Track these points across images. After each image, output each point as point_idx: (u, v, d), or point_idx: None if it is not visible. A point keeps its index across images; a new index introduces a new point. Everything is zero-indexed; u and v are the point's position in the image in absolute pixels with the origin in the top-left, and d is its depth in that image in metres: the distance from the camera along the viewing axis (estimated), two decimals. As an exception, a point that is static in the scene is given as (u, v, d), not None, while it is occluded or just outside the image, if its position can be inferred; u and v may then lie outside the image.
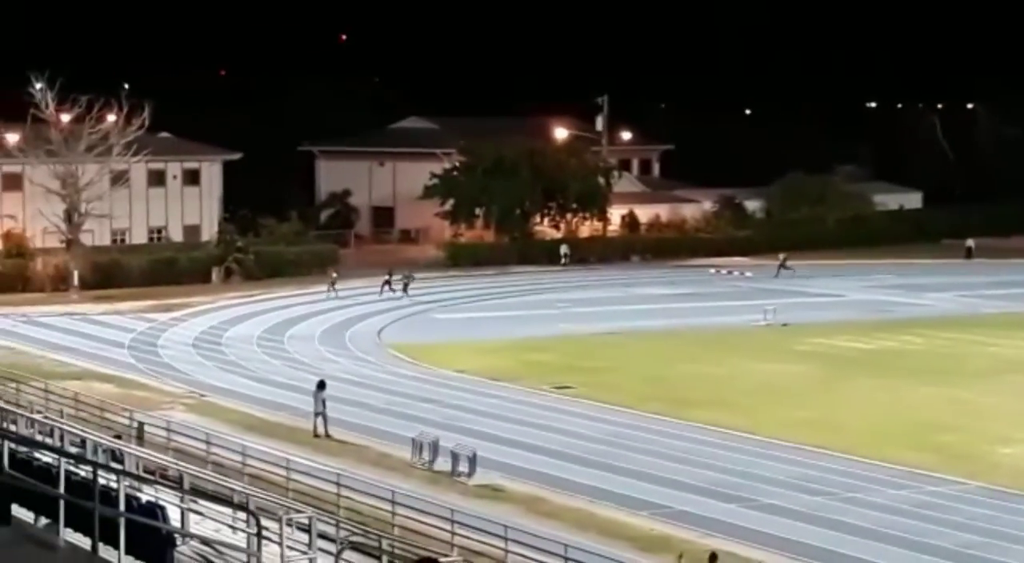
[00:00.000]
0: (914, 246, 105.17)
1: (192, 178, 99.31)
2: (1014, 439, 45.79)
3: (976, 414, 49.81)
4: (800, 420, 48.58)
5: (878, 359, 61.64)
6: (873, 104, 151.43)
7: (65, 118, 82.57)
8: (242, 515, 28.01)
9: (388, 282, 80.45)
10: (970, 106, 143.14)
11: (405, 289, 79.82)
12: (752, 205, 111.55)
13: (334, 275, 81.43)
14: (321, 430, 46.21)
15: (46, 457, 19.96)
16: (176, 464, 32.43)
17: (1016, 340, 65.56)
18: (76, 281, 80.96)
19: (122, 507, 16.54)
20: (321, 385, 47.53)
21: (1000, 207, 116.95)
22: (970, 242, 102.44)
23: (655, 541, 34.04)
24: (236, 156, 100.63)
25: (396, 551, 28.40)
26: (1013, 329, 68.87)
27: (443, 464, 41.42)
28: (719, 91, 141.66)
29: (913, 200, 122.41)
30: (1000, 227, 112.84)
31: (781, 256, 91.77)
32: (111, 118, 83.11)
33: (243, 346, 64.87)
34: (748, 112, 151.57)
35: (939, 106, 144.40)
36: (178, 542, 20.75)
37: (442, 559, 28.81)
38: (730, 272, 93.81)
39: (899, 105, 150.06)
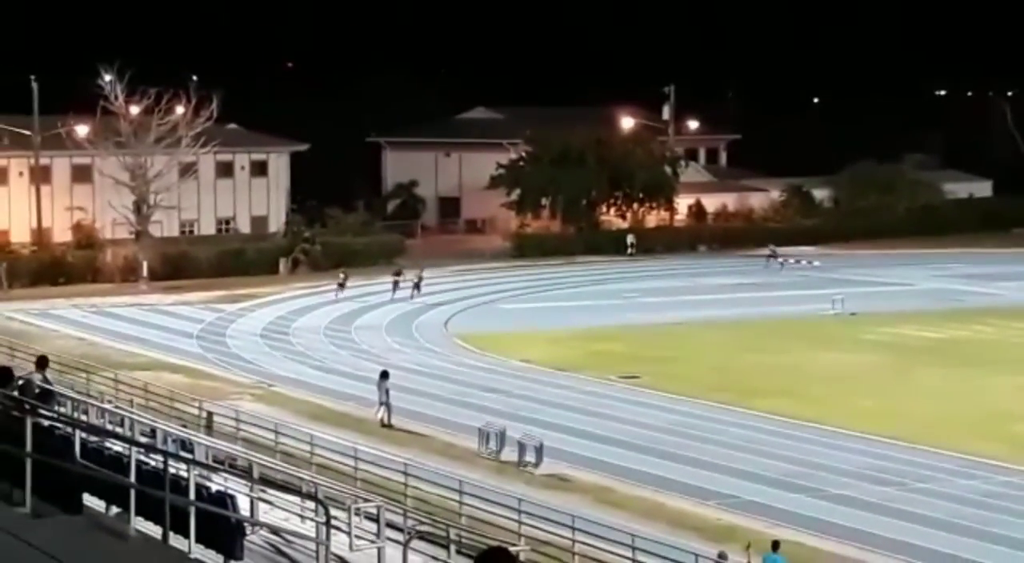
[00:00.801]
0: (984, 235, 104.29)
1: (260, 169, 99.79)
2: (1086, 429, 45.32)
3: (1048, 404, 49.30)
4: (868, 410, 48.28)
5: (948, 348, 61.17)
6: (943, 92, 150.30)
7: (134, 110, 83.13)
8: (311, 504, 28.15)
9: (397, 284, 76.66)
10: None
11: (417, 288, 76.16)
12: (820, 194, 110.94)
13: (342, 275, 77.71)
14: (386, 420, 46.35)
15: (117, 446, 20.10)
16: (245, 453, 32.61)
17: (1088, 329, 64.85)
18: (145, 272, 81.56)
19: (192, 496, 16.64)
20: (384, 375, 47.66)
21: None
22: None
23: (722, 531, 33.92)
24: (303, 147, 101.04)
25: (464, 540, 28.44)
26: (1085, 318, 68.11)
27: (510, 454, 41.44)
28: (787, 80, 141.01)
29: (983, 189, 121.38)
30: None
31: (770, 247, 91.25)
32: (179, 110, 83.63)
33: (310, 336, 65.14)
34: (816, 100, 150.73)
35: (1009, 94, 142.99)
36: (248, 531, 20.88)
37: (511, 548, 28.85)
38: (797, 261, 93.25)
39: (969, 93, 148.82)
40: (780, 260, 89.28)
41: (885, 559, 32.09)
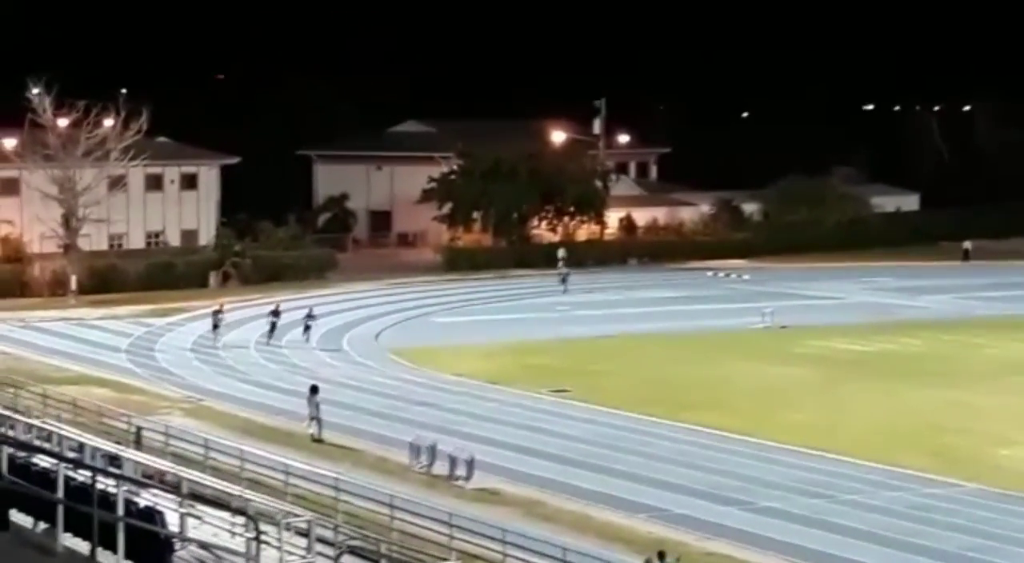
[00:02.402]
0: (912, 248, 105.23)
1: (190, 182, 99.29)
2: (1014, 441, 45.80)
3: (976, 416, 49.80)
4: (798, 423, 48.57)
5: (877, 361, 61.64)
6: (871, 106, 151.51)
7: (63, 123, 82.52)
8: (240, 519, 27.99)
9: (274, 325, 66.35)
10: (967, 108, 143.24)
11: (307, 330, 66.65)
12: (749, 208, 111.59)
13: (218, 308, 67.73)
14: (316, 434, 46.21)
15: (44, 462, 19.94)
16: (174, 469, 32.40)
17: (1015, 342, 65.60)
18: (74, 286, 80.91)
19: (120, 512, 16.53)
20: (315, 389, 47.53)
21: (998, 209, 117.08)
22: (967, 244, 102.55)
23: (652, 544, 33.99)
24: (234, 160, 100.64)
25: (394, 555, 28.39)
26: (1012, 331, 68.90)
27: (441, 468, 41.41)
28: (716, 94, 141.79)
29: (911, 202, 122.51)
30: (998, 229, 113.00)
31: (560, 254, 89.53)
32: (108, 123, 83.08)
33: (240, 351, 64.82)
34: (745, 115, 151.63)
35: (936, 108, 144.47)
36: (176, 546, 20.76)
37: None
38: (727, 274, 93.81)
39: (896, 107, 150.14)
40: (565, 273, 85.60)
41: (814, 571, 32.30)
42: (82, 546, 16.44)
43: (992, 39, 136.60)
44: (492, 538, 31.77)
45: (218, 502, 29.74)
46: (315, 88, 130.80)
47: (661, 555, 30.28)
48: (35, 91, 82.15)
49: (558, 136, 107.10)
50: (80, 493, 17.14)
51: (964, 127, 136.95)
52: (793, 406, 51.78)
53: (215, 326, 66.08)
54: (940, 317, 74.79)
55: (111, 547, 16.13)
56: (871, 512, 37.74)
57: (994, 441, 45.83)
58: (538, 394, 54.13)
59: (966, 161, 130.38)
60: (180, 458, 39.70)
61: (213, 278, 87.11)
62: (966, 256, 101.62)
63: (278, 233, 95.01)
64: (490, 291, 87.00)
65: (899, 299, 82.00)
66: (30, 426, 32.94)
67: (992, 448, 45.01)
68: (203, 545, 25.30)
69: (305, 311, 68.15)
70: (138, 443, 42.37)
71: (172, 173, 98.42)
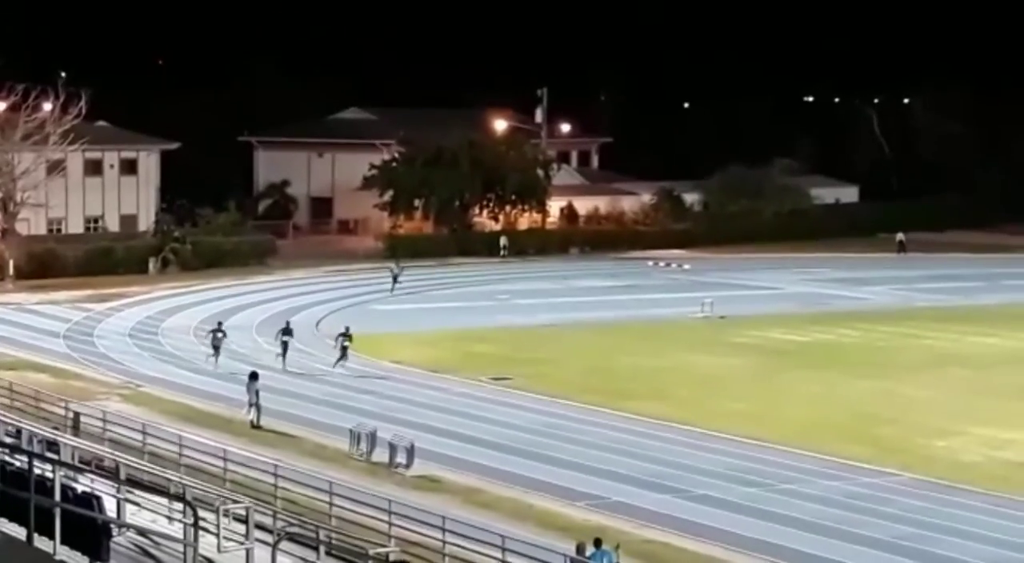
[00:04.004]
0: (850, 240, 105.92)
1: (129, 168, 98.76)
2: (948, 431, 46.24)
3: (911, 406, 50.24)
4: (736, 412, 48.87)
5: (814, 352, 62.07)
6: (811, 98, 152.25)
7: (1, 106, 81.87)
8: (178, 505, 27.94)
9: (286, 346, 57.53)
10: (907, 101, 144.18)
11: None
12: (690, 198, 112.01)
13: (217, 328, 58.22)
14: (256, 421, 46.15)
15: (-20, 447, 19.84)
16: (112, 454, 32.30)
17: (950, 333, 66.21)
18: (11, 271, 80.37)
19: (58, 497, 16.49)
20: (254, 376, 47.46)
21: (936, 201, 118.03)
22: (901, 236, 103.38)
23: (591, 531, 34.12)
24: (174, 146, 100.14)
25: (333, 542, 28.41)
26: (947, 322, 69.53)
27: (381, 455, 41.43)
28: (658, 85, 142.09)
29: (850, 194, 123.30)
30: (936, 221, 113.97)
31: (393, 265, 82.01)
32: (47, 107, 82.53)
33: (180, 336, 64.60)
34: (687, 105, 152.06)
35: (876, 101, 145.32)
36: (114, 532, 20.71)
37: (380, 550, 28.86)
38: (668, 264, 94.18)
39: (836, 99, 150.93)
40: (396, 272, 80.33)
41: (750, 559, 32.51)
42: (18, 531, 16.39)
43: (932, 32, 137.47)
44: (432, 525, 31.82)
45: (156, 488, 29.68)
46: (257, 74, 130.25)
47: (597, 542, 30.39)
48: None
49: (500, 125, 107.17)
50: (17, 478, 17.09)
51: (903, 120, 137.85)
52: (731, 395, 52.09)
53: (215, 348, 56.54)
54: (877, 308, 75.38)
55: (48, 533, 16.10)
56: (807, 501, 38.04)
57: (929, 431, 46.26)
58: (479, 382, 54.21)
59: (905, 153, 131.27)
60: (118, 444, 39.57)
61: (152, 264, 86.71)
62: (901, 248, 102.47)
63: (218, 219, 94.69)
64: (431, 279, 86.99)
65: (836, 290, 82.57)
66: (-34, 411, 32.72)
67: (927, 438, 45.44)
68: (141, 531, 25.25)
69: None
70: (76, 429, 42.19)
71: (111, 158, 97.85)
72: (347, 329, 56.76)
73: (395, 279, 79.84)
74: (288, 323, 59.23)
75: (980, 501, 38.14)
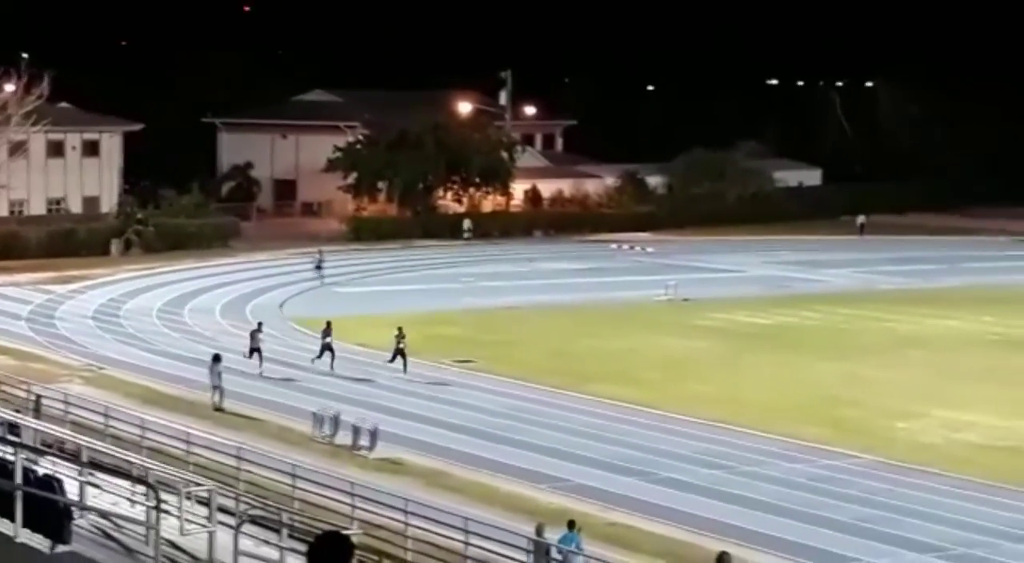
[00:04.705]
0: (813, 223, 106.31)
1: (92, 149, 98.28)
2: (909, 413, 46.48)
3: (872, 388, 50.47)
4: (700, 395, 49.01)
5: (777, 334, 62.29)
6: (775, 82, 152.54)
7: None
8: (141, 488, 27.90)
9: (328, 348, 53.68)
10: (870, 84, 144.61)
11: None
12: (654, 181, 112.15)
13: (256, 328, 54.09)
14: (219, 403, 46.09)
15: (-59, 430, 19.77)
16: (74, 437, 32.22)
17: (911, 316, 66.54)
18: (-27, 252, 79.93)
19: (19, 480, 16.43)
20: (217, 358, 47.36)
21: (898, 184, 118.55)
22: (861, 218, 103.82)
23: (555, 514, 34.22)
24: (137, 127, 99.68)
25: (296, 524, 28.38)
26: (908, 305, 69.88)
27: (344, 438, 41.42)
28: (623, 68, 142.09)
29: (813, 177, 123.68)
30: (898, 204, 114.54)
31: (319, 252, 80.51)
32: (9, 88, 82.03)
33: (142, 319, 64.41)
34: (651, 88, 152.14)
35: (839, 84, 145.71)
36: (76, 515, 20.66)
37: (344, 531, 28.87)
38: (632, 247, 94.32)
39: (800, 83, 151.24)
40: (320, 260, 78.54)
41: (714, 541, 32.58)
42: (-20, 514, 16.31)
43: (895, 17, 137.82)
44: (395, 508, 31.84)
45: (118, 471, 29.63)
46: (220, 55, 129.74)
47: (571, 524, 30.38)
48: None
49: (464, 107, 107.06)
50: (-22, 461, 17.01)
51: (866, 103, 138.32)
52: (695, 378, 52.24)
53: (254, 350, 52.15)
54: (839, 291, 75.70)
55: (9, 515, 16.05)
56: (770, 483, 38.18)
57: (890, 413, 46.50)
58: (442, 364, 54.20)
59: (868, 137, 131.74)
60: (80, 426, 39.45)
61: (115, 246, 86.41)
62: (861, 230, 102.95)
63: (181, 201, 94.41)
64: (395, 261, 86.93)
65: (799, 273, 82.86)
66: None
67: (888, 420, 45.66)
68: (103, 514, 25.21)
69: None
70: (37, 411, 42.03)
71: (74, 140, 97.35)
72: (400, 330, 52.24)
73: (318, 267, 77.60)
74: (328, 323, 53.53)
75: (940, 483, 38.36)
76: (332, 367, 52.39)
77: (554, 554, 29.89)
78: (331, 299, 71.79)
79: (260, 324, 55.04)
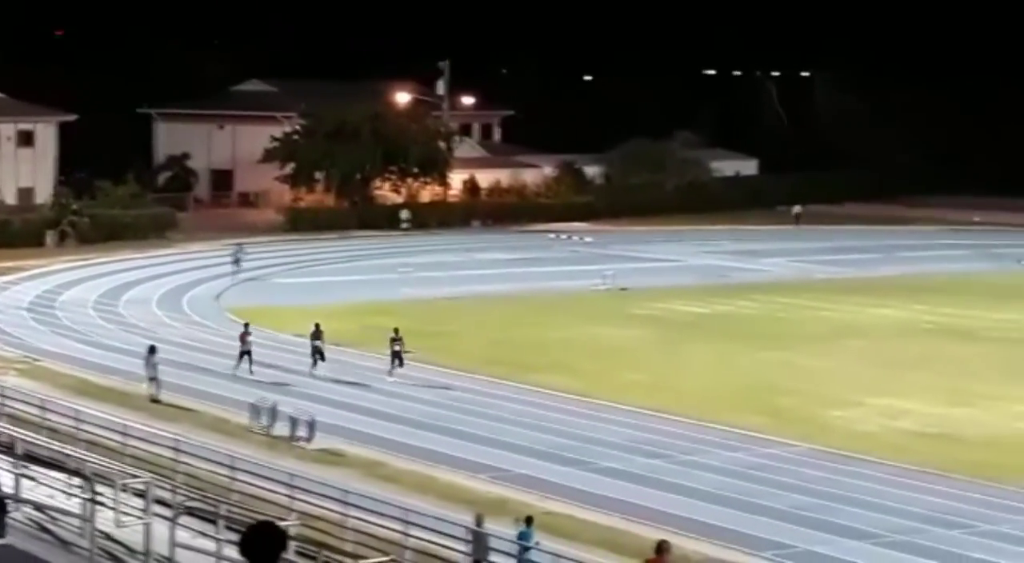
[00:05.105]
0: (750, 212, 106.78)
1: (26, 140, 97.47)
2: (846, 402, 46.78)
3: (809, 377, 50.77)
4: (638, 384, 49.14)
5: (714, 323, 62.54)
6: (712, 72, 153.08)
7: None
8: (77, 480, 27.72)
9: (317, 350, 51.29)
10: (806, 74, 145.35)
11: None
12: (592, 171, 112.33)
13: (244, 331, 51.14)
14: (155, 394, 45.84)
15: None
16: (8, 429, 31.96)
17: (847, 305, 66.96)
18: (-95, 244, 79.13)
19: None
20: (153, 349, 47.07)
21: (834, 174, 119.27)
22: (797, 208, 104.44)
23: (493, 504, 34.25)
24: (72, 117, 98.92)
25: (234, 516, 28.27)
26: (844, 294, 70.34)
27: (282, 429, 41.27)
28: (560, 58, 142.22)
29: (749, 167, 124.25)
30: (834, 194, 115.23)
31: (237, 247, 77.60)
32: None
33: (78, 310, 63.95)
34: (588, 78, 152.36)
35: (775, 74, 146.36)
36: (10, 508, 20.52)
37: (281, 523, 28.76)
38: (570, 237, 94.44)
39: (737, 73, 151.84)
40: (239, 255, 75.62)
41: (652, 530, 32.67)
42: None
43: (831, 7, 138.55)
44: (333, 499, 31.76)
45: (54, 463, 29.44)
46: (156, 45, 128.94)
47: (528, 520, 30.18)
48: None
49: (402, 97, 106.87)
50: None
51: (803, 94, 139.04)
52: (632, 367, 52.38)
53: (244, 353, 50.15)
54: (776, 280, 76.09)
55: (-58, 508, 15.90)
56: (708, 472, 38.32)
57: (826, 402, 46.78)
58: (381, 355, 54.08)
59: (804, 127, 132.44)
60: (15, 419, 39.15)
61: (50, 237, 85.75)
62: (797, 220, 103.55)
63: (117, 192, 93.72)
64: (333, 252, 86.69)
65: (736, 262, 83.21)
66: None
67: (824, 409, 45.94)
68: (38, 506, 25.05)
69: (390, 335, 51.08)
70: (-29, 404, 41.64)
71: (8, 130, 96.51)
72: (397, 332, 50.32)
73: (237, 262, 74.71)
74: (317, 325, 51.23)
75: (877, 470, 38.61)
76: (312, 368, 50.01)
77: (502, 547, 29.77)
78: (268, 290, 71.52)
79: (247, 325, 51.78)
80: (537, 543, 29.58)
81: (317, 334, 51.00)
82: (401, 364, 50.11)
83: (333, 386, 48.47)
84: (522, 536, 29.78)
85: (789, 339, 58.19)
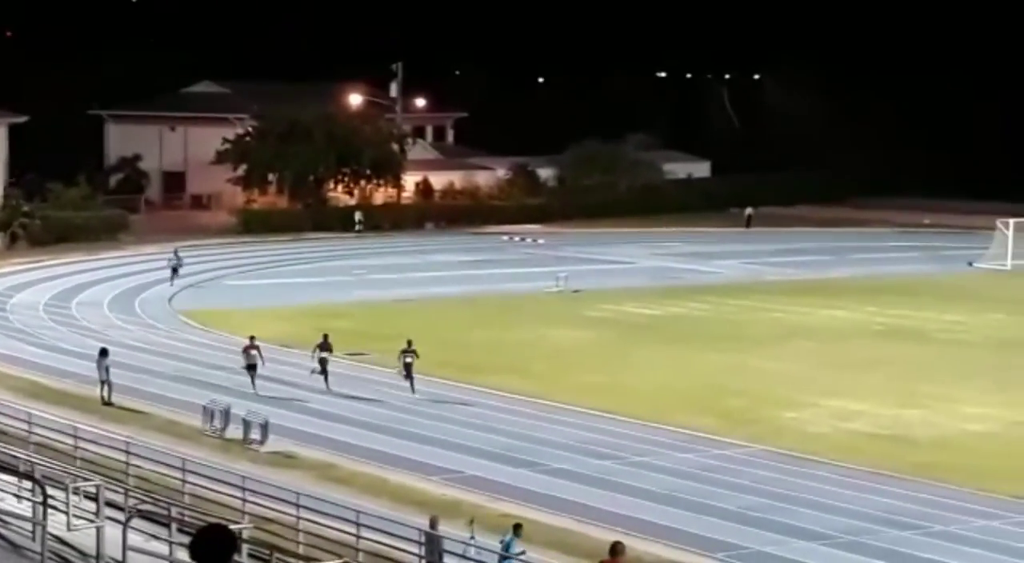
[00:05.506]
0: (702, 214, 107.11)
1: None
2: (797, 403, 47.00)
3: (761, 379, 50.98)
4: (590, 385, 49.24)
5: (667, 325, 62.73)
6: (664, 74, 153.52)
7: None
8: (28, 484, 27.60)
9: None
10: (757, 77, 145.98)
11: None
12: (545, 173, 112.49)
13: (249, 344, 49.15)
14: (107, 397, 45.65)
15: None
16: (-41, 433, 31.78)
17: (798, 306, 67.29)
18: None
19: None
20: (104, 352, 46.88)
21: (785, 176, 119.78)
22: (749, 210, 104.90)
23: (446, 506, 34.29)
24: (22, 119, 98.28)
25: (186, 518, 28.21)
26: (795, 295, 70.66)
27: (235, 432, 41.19)
28: (513, 60, 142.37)
29: (702, 169, 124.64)
30: (785, 196, 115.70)
31: (175, 253, 74.11)
32: None
33: (29, 313, 63.62)
34: (541, 80, 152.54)
35: (727, 77, 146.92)
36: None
37: (233, 526, 28.72)
38: (523, 239, 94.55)
39: (688, 75, 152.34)
40: (176, 263, 72.81)
41: (603, 531, 32.78)
42: None
43: (782, 10, 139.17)
44: (286, 501, 31.72)
45: (4, 466, 29.29)
46: (108, 47, 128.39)
47: (516, 528, 29.64)
48: None
49: (355, 99, 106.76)
50: None
51: (754, 96, 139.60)
52: (585, 369, 52.49)
53: (250, 366, 48.14)
54: (727, 282, 76.37)
55: None
56: (660, 473, 38.45)
57: (778, 403, 46.99)
58: (335, 357, 53.99)
59: (755, 129, 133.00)
60: (-35, 423, 38.91)
61: (0, 239, 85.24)
62: (748, 222, 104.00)
63: (69, 194, 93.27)
64: (286, 254, 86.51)
65: (688, 264, 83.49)
66: None
67: (777, 410, 46.15)
68: (-11, 510, 24.92)
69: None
70: (-79, 407, 41.40)
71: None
72: (410, 344, 47.68)
73: (175, 270, 72.15)
74: (326, 336, 49.12)
75: (828, 471, 38.82)
76: (327, 385, 48.05)
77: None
78: (221, 292, 71.32)
79: (252, 338, 49.22)
80: (523, 552, 29.00)
81: (325, 346, 48.51)
82: (408, 378, 47.13)
83: (288, 389, 48.36)
84: (507, 546, 29.25)
85: (741, 341, 58.43)
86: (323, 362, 48.29)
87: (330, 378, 48.37)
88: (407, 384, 47.30)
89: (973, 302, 69.52)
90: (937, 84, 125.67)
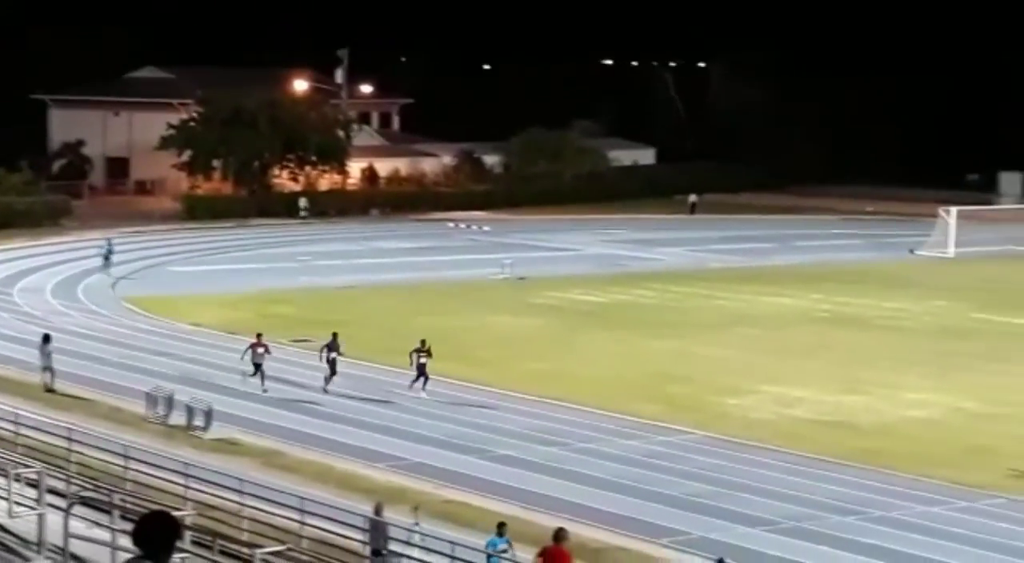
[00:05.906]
0: (647, 202, 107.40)
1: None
2: (741, 390, 47.21)
3: (705, 366, 51.18)
4: (536, 372, 49.29)
5: (611, 312, 62.86)
6: (609, 61, 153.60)
7: None
8: (-32, 471, 27.37)
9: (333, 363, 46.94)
10: (703, 65, 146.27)
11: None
12: (491, 160, 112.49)
13: (256, 342, 46.87)
14: (49, 384, 45.35)
15: None
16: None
17: (741, 293, 67.58)
18: None
19: None
20: (47, 338, 46.56)
21: (730, 164, 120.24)
22: (693, 198, 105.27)
23: (392, 493, 34.26)
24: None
25: (128, 505, 28.06)
26: (738, 282, 70.97)
27: (178, 418, 41.01)
28: (459, 47, 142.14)
29: (647, 156, 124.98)
30: (730, 183, 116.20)
31: (107, 242, 73.59)
32: None
33: (-30, 299, 63.13)
34: (487, 67, 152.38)
35: (672, 64, 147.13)
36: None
37: (175, 513, 28.58)
38: (469, 226, 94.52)
39: (634, 62, 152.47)
40: (107, 250, 72.16)
41: (549, 518, 32.83)
42: None
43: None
44: (229, 488, 31.61)
45: (-55, 454, 29.04)
46: (50, 31, 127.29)
47: (500, 527, 29.34)
48: None
49: (300, 85, 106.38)
50: None
51: (700, 84, 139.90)
52: (531, 356, 52.53)
53: (256, 366, 46.16)
54: (672, 269, 76.60)
55: None
56: (606, 460, 38.53)
57: (722, 390, 47.19)
58: (279, 344, 53.81)
59: (701, 117, 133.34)
60: (-95, 409, 38.57)
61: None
62: (692, 209, 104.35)
63: (10, 179, 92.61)
64: (230, 240, 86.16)
65: (633, 251, 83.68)
66: None
67: (720, 397, 46.33)
68: (-71, 498, 24.73)
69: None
70: None
71: None
72: (424, 343, 45.72)
73: (106, 257, 71.44)
74: (335, 335, 46.92)
75: (772, 458, 39.01)
76: (325, 384, 46.08)
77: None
78: (165, 278, 70.97)
79: (259, 336, 47.13)
80: (505, 550, 28.36)
81: (334, 345, 46.46)
82: (426, 379, 45.30)
83: (233, 376, 48.16)
84: (491, 543, 28.91)
85: (685, 328, 58.63)
86: (333, 363, 45.99)
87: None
88: (418, 384, 45.39)
89: (915, 289, 70.01)
90: (881, 72, 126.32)
